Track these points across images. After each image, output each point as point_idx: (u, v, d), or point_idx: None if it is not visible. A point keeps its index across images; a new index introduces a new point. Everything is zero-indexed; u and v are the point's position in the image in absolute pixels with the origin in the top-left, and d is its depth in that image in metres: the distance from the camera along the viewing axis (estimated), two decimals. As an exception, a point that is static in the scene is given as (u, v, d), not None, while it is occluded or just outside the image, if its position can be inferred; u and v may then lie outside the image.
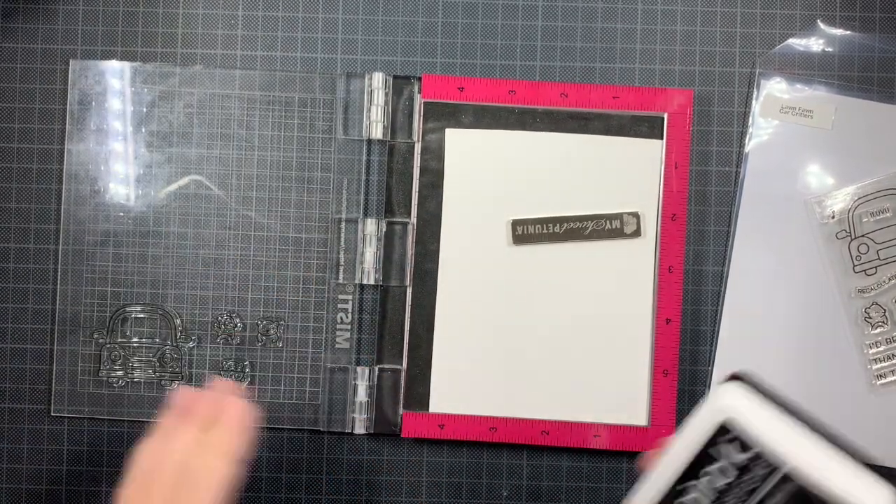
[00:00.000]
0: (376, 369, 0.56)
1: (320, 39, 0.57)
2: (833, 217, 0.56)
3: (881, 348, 0.55)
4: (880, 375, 0.55)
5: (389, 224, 0.56)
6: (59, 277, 0.56)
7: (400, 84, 0.56)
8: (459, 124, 0.56)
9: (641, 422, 0.55)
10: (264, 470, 0.56)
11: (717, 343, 0.56)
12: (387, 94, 0.56)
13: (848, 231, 0.56)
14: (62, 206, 0.56)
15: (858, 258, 0.56)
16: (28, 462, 0.56)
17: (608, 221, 0.55)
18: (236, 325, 0.56)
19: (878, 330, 0.56)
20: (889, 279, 0.56)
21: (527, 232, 0.55)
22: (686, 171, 0.56)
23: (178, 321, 0.56)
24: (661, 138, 0.56)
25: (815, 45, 0.57)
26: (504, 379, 0.56)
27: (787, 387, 0.55)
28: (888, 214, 0.56)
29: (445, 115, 0.56)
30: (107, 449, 0.56)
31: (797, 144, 0.56)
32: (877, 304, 0.56)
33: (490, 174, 0.56)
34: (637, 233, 0.55)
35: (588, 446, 0.55)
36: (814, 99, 0.56)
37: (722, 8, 0.57)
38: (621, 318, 0.56)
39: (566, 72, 0.57)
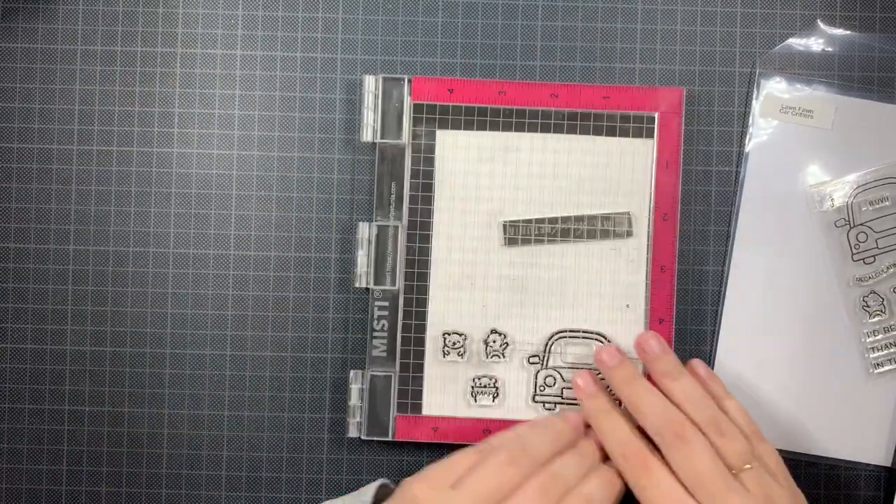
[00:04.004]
0: (369, 373, 0.56)
1: (320, 39, 0.57)
2: (832, 205, 0.56)
3: (879, 337, 0.56)
4: (878, 364, 0.55)
5: (380, 227, 0.56)
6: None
7: (390, 86, 0.56)
8: (450, 126, 0.56)
9: (636, 422, 0.56)
10: (264, 470, 0.56)
11: (717, 343, 0.56)
12: (377, 97, 0.56)
13: (847, 219, 0.56)
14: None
15: (857, 247, 0.56)
16: (28, 462, 0.56)
17: (600, 222, 0.55)
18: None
19: (876, 318, 0.56)
20: (887, 268, 0.56)
21: (518, 233, 0.55)
22: (678, 171, 0.56)
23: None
24: (653, 137, 0.56)
25: (815, 44, 0.57)
26: (497, 381, 0.56)
27: (785, 376, 0.56)
28: (887, 203, 0.56)
29: (435, 116, 0.56)
30: (107, 449, 0.57)
31: (797, 144, 0.56)
32: (875, 292, 0.56)
33: (481, 176, 0.56)
34: (629, 233, 0.55)
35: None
36: (814, 99, 0.56)
37: (722, 8, 0.57)
38: (614, 318, 0.55)
39: (566, 72, 0.57)
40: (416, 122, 0.56)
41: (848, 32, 0.57)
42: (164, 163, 0.57)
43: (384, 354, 0.56)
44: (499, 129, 0.56)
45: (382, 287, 0.56)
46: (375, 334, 0.56)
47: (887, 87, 0.56)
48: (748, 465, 0.47)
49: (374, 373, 0.55)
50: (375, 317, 0.56)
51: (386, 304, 0.56)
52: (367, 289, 0.56)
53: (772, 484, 0.47)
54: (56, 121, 0.57)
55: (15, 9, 0.57)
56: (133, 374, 0.57)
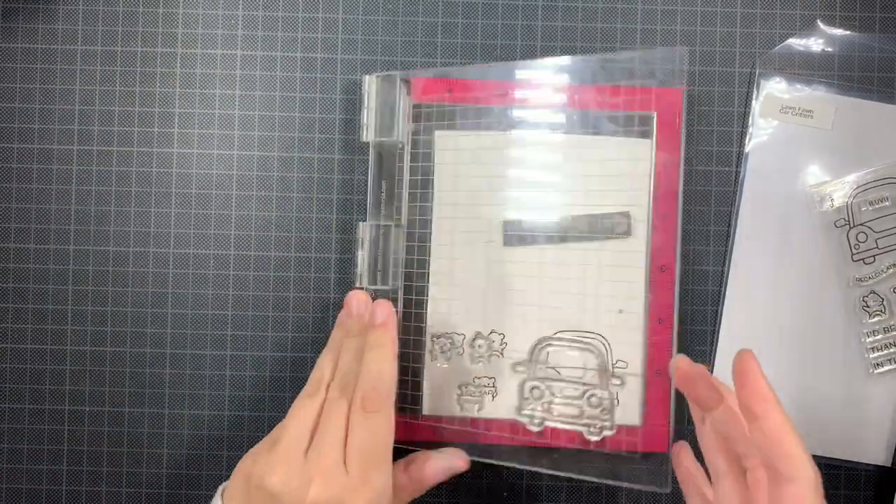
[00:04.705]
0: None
1: (320, 39, 0.57)
2: (832, 205, 0.56)
3: (878, 337, 0.56)
4: (877, 364, 0.56)
5: (380, 227, 0.56)
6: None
7: (389, 86, 0.56)
8: (449, 126, 0.56)
9: (635, 422, 0.55)
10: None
11: (717, 343, 0.56)
12: (376, 97, 0.56)
13: (847, 219, 0.56)
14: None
15: (857, 247, 0.56)
16: (28, 462, 0.56)
17: (599, 221, 0.55)
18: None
19: (876, 318, 0.56)
20: (887, 268, 0.56)
21: (518, 233, 0.55)
22: (677, 171, 0.56)
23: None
24: (652, 137, 0.56)
25: (815, 45, 0.57)
26: (496, 380, 0.56)
27: (785, 376, 0.56)
28: (887, 203, 0.56)
29: (435, 116, 0.56)
30: (107, 449, 0.57)
31: (797, 144, 0.56)
32: (875, 292, 0.56)
33: (480, 176, 0.56)
34: (628, 233, 0.55)
35: (582, 447, 0.55)
36: (814, 99, 0.56)
37: (722, 8, 0.57)
38: (614, 318, 0.55)
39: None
40: (415, 121, 0.56)
41: (848, 32, 0.57)
42: (164, 163, 0.57)
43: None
44: (499, 129, 0.56)
45: (382, 287, 0.56)
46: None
47: (887, 87, 0.56)
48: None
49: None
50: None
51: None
52: (367, 289, 0.56)
53: None
54: (56, 121, 0.57)
55: (15, 9, 0.57)
56: (133, 374, 0.57)
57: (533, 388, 0.55)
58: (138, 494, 0.57)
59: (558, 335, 0.55)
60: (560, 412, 0.55)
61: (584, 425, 0.55)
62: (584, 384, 0.55)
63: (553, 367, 0.55)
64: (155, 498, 0.57)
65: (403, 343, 0.55)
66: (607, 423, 0.55)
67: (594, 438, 0.55)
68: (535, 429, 0.55)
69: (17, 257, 0.57)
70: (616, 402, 0.55)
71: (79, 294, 0.57)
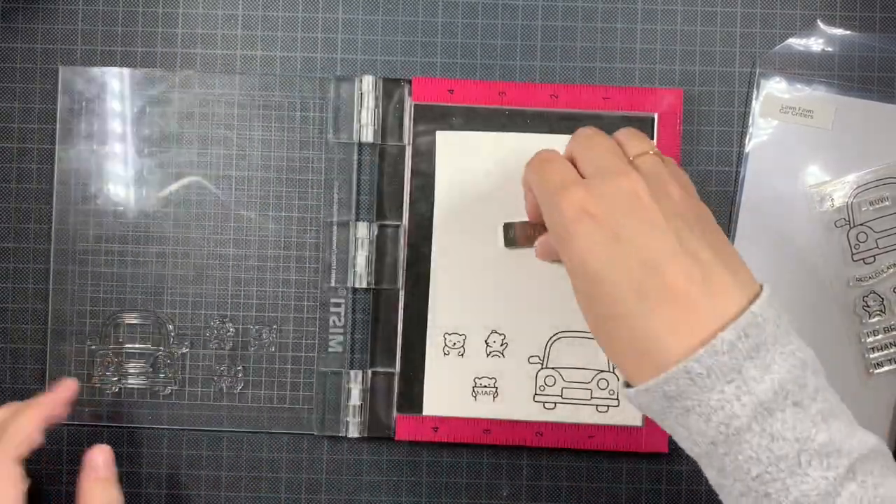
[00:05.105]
0: (369, 372, 0.56)
1: (320, 39, 0.57)
2: (832, 205, 0.56)
3: (879, 337, 0.55)
4: (877, 364, 0.55)
5: (381, 227, 0.56)
6: (51, 283, 0.56)
7: (390, 87, 0.56)
8: (450, 126, 0.56)
9: (636, 422, 0.55)
10: (264, 470, 0.56)
11: (717, 343, 0.56)
12: (377, 97, 0.56)
13: (847, 219, 0.56)
14: (53, 211, 0.56)
15: (857, 247, 0.56)
16: (28, 462, 0.56)
17: (599, 222, 0.55)
18: (228, 330, 0.56)
19: (876, 319, 0.56)
20: (887, 268, 0.55)
21: (519, 234, 0.55)
22: (677, 171, 0.56)
23: (171, 326, 0.56)
24: (652, 138, 0.56)
25: (815, 44, 0.57)
26: (497, 381, 0.56)
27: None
28: (887, 203, 0.55)
29: (436, 117, 0.56)
30: (106, 449, 0.57)
31: (797, 144, 0.56)
32: (875, 292, 0.56)
33: (481, 176, 0.56)
34: (628, 233, 0.55)
35: (582, 447, 0.55)
36: (814, 99, 0.56)
37: (722, 8, 0.57)
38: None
39: (566, 72, 0.57)
40: (416, 122, 0.56)
41: (848, 32, 0.57)
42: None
43: (385, 354, 0.56)
44: (499, 130, 0.56)
45: (382, 287, 0.56)
46: (376, 334, 0.56)
47: (887, 87, 0.56)
48: (648, 152, 0.43)
49: (376, 373, 0.56)
50: (376, 317, 0.56)
51: (386, 304, 0.56)
52: (368, 289, 0.56)
53: (669, 172, 0.43)
54: (56, 121, 0.57)
55: (15, 9, 0.57)
56: (133, 374, 0.57)
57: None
58: (138, 494, 0.56)
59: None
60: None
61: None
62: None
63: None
64: (155, 498, 0.56)
65: (405, 344, 0.56)
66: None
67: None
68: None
69: (16, 257, 0.57)
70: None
71: (79, 294, 0.57)
